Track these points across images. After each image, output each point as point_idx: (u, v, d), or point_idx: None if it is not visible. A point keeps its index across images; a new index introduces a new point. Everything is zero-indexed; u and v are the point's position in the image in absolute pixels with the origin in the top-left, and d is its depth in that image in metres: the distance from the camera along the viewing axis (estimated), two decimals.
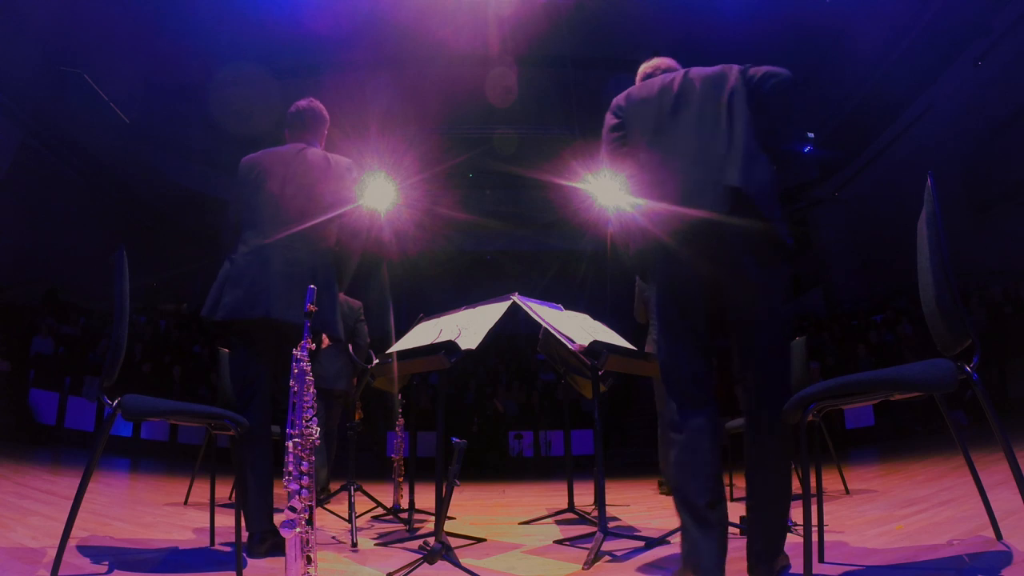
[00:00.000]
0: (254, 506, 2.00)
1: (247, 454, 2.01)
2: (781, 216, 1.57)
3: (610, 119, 1.87)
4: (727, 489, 3.52)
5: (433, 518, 2.68)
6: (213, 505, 2.11)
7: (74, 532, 1.51)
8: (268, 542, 1.99)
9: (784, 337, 1.62)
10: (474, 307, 2.41)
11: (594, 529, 2.15)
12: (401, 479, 3.22)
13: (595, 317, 2.66)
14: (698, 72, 1.77)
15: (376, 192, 9.40)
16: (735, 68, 1.73)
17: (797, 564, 1.66)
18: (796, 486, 2.20)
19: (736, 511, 2.59)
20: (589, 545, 1.97)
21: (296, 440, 1.33)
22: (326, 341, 2.73)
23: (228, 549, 2.00)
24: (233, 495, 2.95)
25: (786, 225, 1.57)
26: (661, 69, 1.94)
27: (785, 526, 1.56)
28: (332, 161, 2.31)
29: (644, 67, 2.00)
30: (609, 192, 9.81)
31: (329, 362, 3.50)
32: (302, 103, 2.45)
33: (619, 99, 1.87)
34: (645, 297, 4.30)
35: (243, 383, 2.17)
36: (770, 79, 1.68)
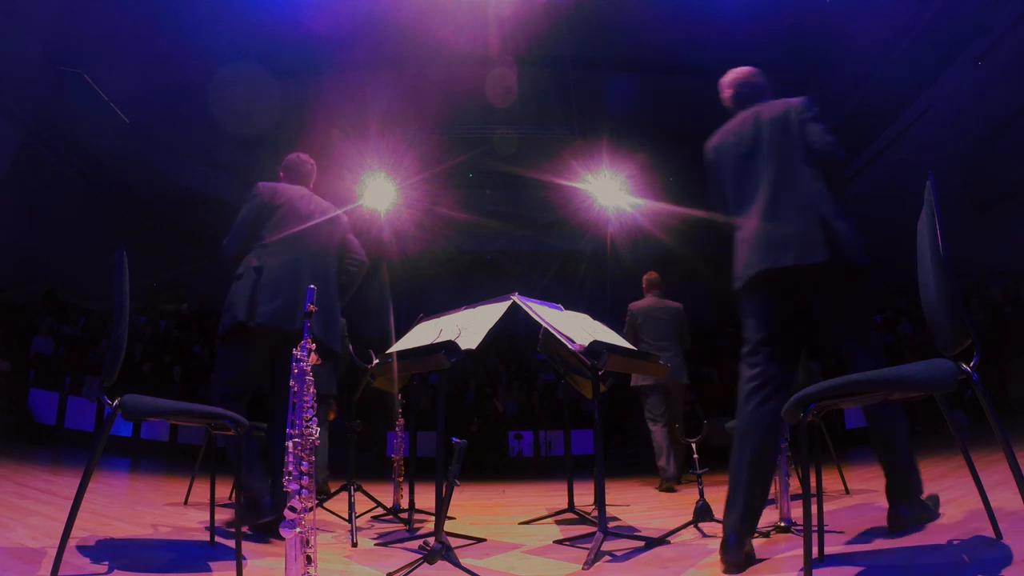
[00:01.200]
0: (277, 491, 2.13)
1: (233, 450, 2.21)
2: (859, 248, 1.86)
3: (707, 161, 2.25)
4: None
5: (433, 518, 2.68)
6: (213, 505, 2.11)
7: (74, 532, 1.51)
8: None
9: None
10: (474, 307, 2.42)
11: (594, 529, 2.15)
12: (401, 479, 3.22)
13: (595, 317, 2.66)
14: (768, 114, 2.05)
15: (376, 192, 9.41)
16: (794, 114, 1.99)
17: (797, 564, 1.66)
18: (796, 486, 2.20)
19: None
20: (589, 545, 1.97)
21: (296, 440, 1.33)
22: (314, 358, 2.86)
23: (228, 549, 2.00)
24: (233, 495, 2.95)
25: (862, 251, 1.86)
26: (744, 83, 2.24)
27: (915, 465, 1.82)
28: (336, 209, 2.71)
29: (726, 80, 2.31)
30: (609, 192, 9.84)
31: (319, 367, 3.48)
32: (302, 156, 2.83)
33: (709, 143, 2.25)
34: (637, 324, 4.71)
35: (236, 382, 2.36)
36: (818, 145, 1.96)
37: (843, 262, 1.80)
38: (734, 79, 2.25)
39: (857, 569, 1.52)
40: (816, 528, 1.56)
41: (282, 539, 1.25)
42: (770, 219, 1.92)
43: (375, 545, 2.28)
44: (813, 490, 1.48)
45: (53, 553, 1.49)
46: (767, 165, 1.98)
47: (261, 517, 2.20)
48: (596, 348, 2.14)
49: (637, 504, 3.60)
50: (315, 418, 1.39)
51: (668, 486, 4.31)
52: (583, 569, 1.78)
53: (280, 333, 2.32)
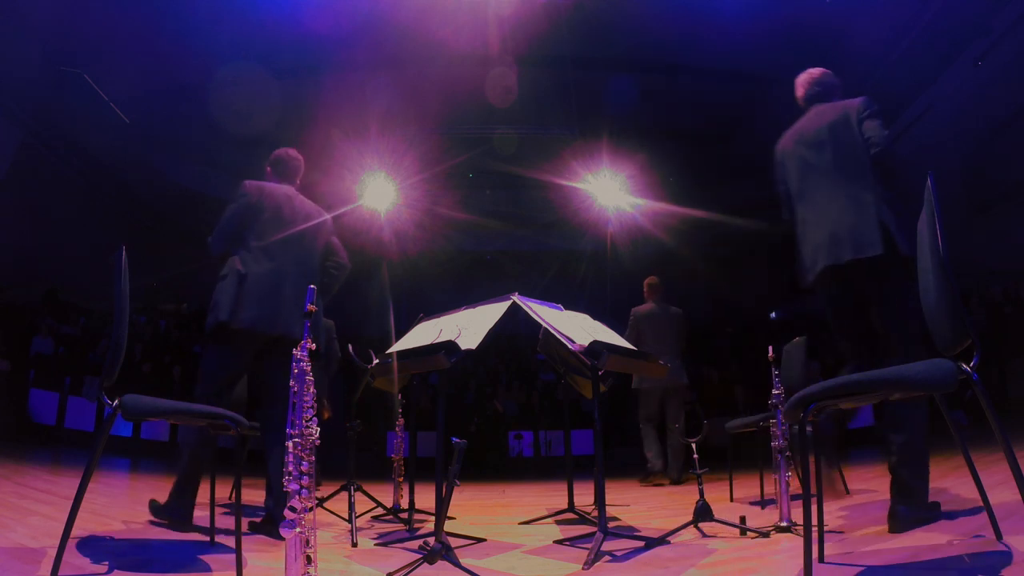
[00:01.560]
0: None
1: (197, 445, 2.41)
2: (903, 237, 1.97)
3: (775, 160, 2.43)
4: (728, 490, 3.53)
5: (433, 518, 2.68)
6: (213, 505, 2.12)
7: (74, 532, 1.51)
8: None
9: None
10: (474, 307, 2.42)
11: (594, 529, 2.15)
12: (401, 479, 3.22)
13: (595, 317, 2.66)
14: (830, 115, 2.23)
15: (376, 192, 9.41)
16: (852, 114, 2.16)
17: (797, 564, 1.66)
18: (796, 486, 2.20)
19: (736, 511, 2.59)
20: (589, 545, 1.97)
21: (296, 440, 1.33)
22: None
23: (228, 548, 2.00)
24: (233, 495, 2.95)
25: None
26: (816, 83, 2.43)
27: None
28: (322, 212, 2.76)
29: (800, 80, 2.49)
30: (609, 192, 9.84)
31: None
32: (291, 152, 2.82)
33: (778, 144, 2.42)
34: (640, 327, 4.90)
35: (218, 380, 2.45)
36: (875, 138, 2.09)
37: (896, 255, 1.97)
38: (807, 79, 2.47)
39: (857, 569, 1.52)
40: (816, 528, 1.56)
41: (281, 538, 1.25)
42: (830, 217, 2.09)
43: (375, 545, 2.28)
44: (813, 490, 1.48)
45: (53, 553, 1.49)
46: (828, 165, 2.13)
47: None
48: (596, 348, 2.14)
49: (637, 504, 3.60)
50: (315, 418, 1.39)
51: (652, 481, 4.62)
52: (583, 569, 1.78)
53: (262, 337, 2.44)
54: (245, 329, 2.39)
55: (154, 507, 2.51)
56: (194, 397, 2.42)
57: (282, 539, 1.25)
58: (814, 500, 1.49)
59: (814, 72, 2.46)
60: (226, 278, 2.47)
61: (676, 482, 4.63)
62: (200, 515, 2.67)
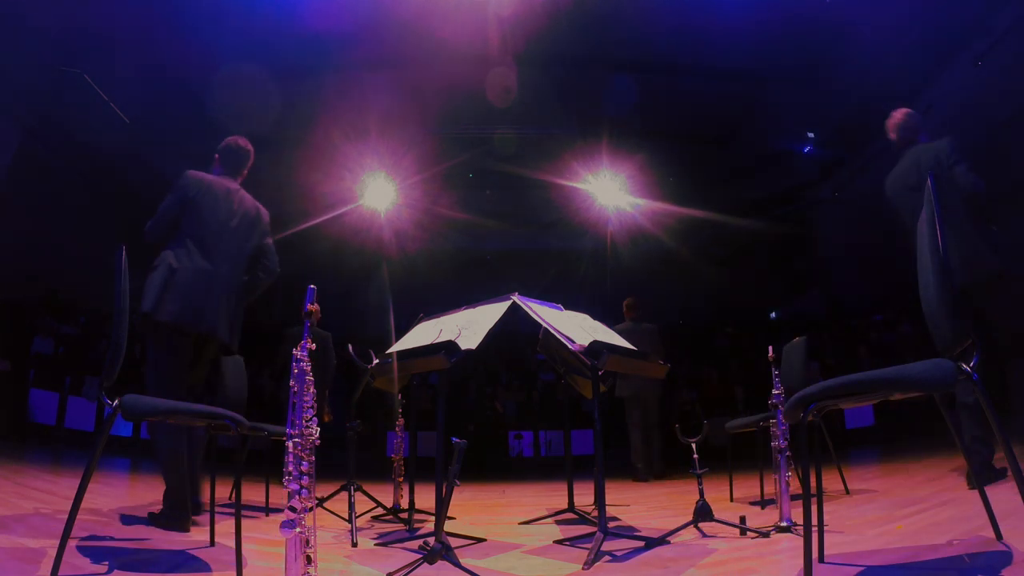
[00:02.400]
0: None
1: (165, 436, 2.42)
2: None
3: (885, 197, 2.85)
4: (728, 490, 3.53)
5: (433, 518, 2.68)
6: (213, 505, 2.11)
7: (74, 532, 1.51)
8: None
9: None
10: (474, 307, 2.42)
11: (594, 529, 2.15)
12: (401, 479, 3.22)
13: (595, 317, 2.66)
14: (924, 156, 2.72)
15: (376, 192, 9.41)
16: (943, 154, 2.64)
17: (797, 564, 1.66)
18: (796, 486, 2.20)
19: (736, 511, 2.59)
20: (589, 545, 1.97)
21: (296, 440, 1.33)
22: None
23: (228, 548, 2.00)
24: (233, 495, 2.95)
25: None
26: (904, 127, 2.87)
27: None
28: (260, 210, 2.79)
29: (891, 124, 2.92)
30: (609, 192, 9.85)
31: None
32: (241, 142, 2.84)
33: (886, 182, 2.87)
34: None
35: (162, 379, 2.44)
36: (964, 184, 2.60)
37: (995, 275, 2.48)
38: (896, 123, 2.91)
39: (857, 569, 1.52)
40: (816, 528, 1.56)
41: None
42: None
43: (375, 545, 2.28)
44: (813, 490, 1.48)
45: (53, 553, 1.49)
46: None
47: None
48: (596, 348, 2.14)
49: (637, 504, 3.60)
50: (315, 418, 1.39)
51: (641, 478, 5.30)
52: (583, 569, 1.78)
53: (187, 333, 2.47)
54: (168, 322, 2.39)
55: (152, 517, 2.50)
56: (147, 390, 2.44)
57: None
58: (814, 500, 1.49)
59: (901, 115, 2.88)
60: (156, 269, 2.47)
61: (657, 478, 5.35)
62: (200, 515, 2.67)
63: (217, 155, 2.81)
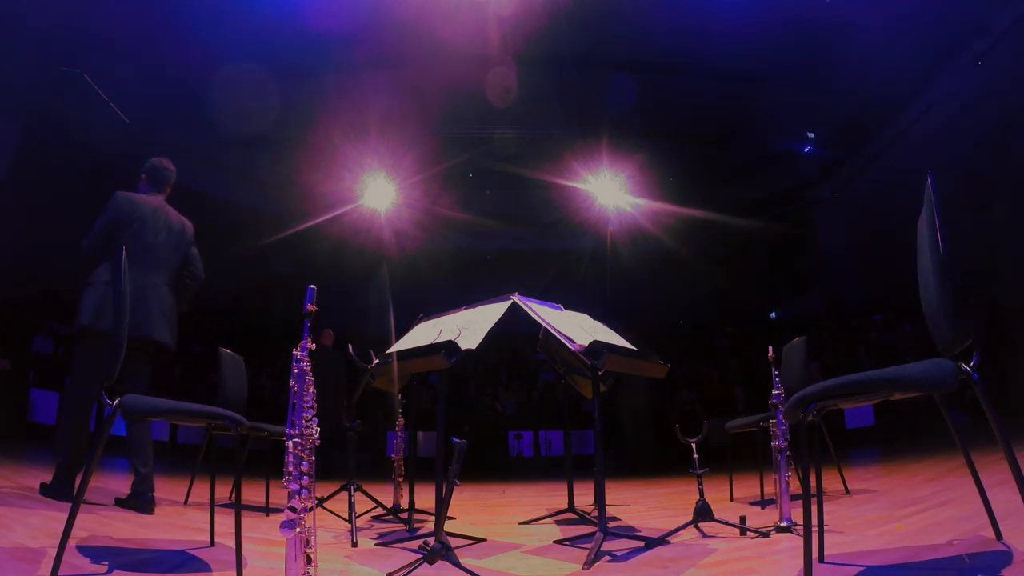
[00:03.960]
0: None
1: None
2: None
3: None
4: (728, 490, 3.53)
5: (433, 518, 2.68)
6: (213, 505, 2.11)
7: (74, 532, 1.51)
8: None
9: None
10: (474, 307, 2.41)
11: (594, 529, 2.15)
12: (401, 479, 3.21)
13: (595, 317, 2.65)
14: None
15: (376, 192, 9.41)
16: None
17: (797, 564, 1.66)
18: (796, 486, 2.20)
19: (736, 511, 2.59)
20: (589, 545, 1.97)
21: (296, 440, 1.33)
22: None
23: (228, 548, 2.00)
24: (233, 495, 2.95)
25: None
26: None
27: None
28: (185, 223, 3.08)
29: None
30: (609, 192, 9.85)
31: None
32: (164, 162, 3.15)
33: None
34: None
35: (92, 374, 2.72)
36: None
37: None
38: None
39: (857, 569, 1.52)
40: (816, 528, 1.56)
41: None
42: None
43: (375, 545, 2.28)
44: (813, 490, 1.48)
45: (53, 553, 1.49)
46: None
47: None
48: (596, 348, 2.14)
49: (637, 504, 3.60)
50: (315, 418, 1.39)
51: None
52: (583, 569, 1.78)
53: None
54: (106, 331, 2.61)
55: (120, 503, 2.83)
56: (82, 396, 2.76)
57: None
58: (814, 500, 1.49)
59: None
60: (92, 285, 2.82)
61: None
62: (200, 515, 2.67)
63: (143, 175, 3.11)
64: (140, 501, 2.73)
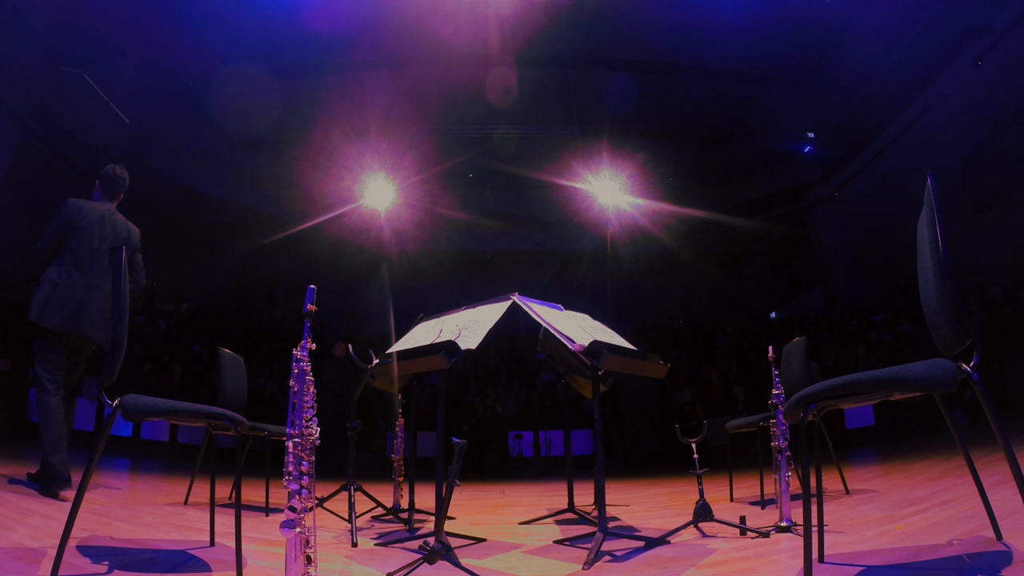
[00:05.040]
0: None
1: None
2: None
3: None
4: (728, 490, 3.53)
5: (433, 518, 2.68)
6: (213, 505, 2.11)
7: (74, 532, 1.51)
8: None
9: None
10: (474, 307, 2.41)
11: (594, 529, 2.15)
12: (401, 479, 3.21)
13: (595, 317, 2.65)
14: None
15: (376, 192, 9.41)
16: None
17: (797, 564, 1.66)
18: (796, 486, 2.20)
19: (736, 511, 2.59)
20: (589, 545, 1.97)
21: (296, 440, 1.33)
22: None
23: (228, 548, 2.00)
24: (233, 495, 2.95)
25: None
26: None
27: None
28: (131, 230, 3.27)
29: None
30: (609, 192, 9.85)
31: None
32: (118, 170, 3.30)
33: None
34: None
35: (50, 363, 3.04)
36: None
37: None
38: None
39: (857, 569, 1.52)
40: (816, 528, 1.56)
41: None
42: None
43: (375, 545, 2.28)
44: (813, 490, 1.48)
45: (53, 553, 1.49)
46: None
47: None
48: (596, 348, 2.14)
49: (637, 504, 3.60)
50: (315, 418, 1.39)
51: None
52: (583, 569, 1.78)
53: (67, 336, 3.04)
54: (50, 328, 2.98)
55: (31, 477, 3.09)
56: (40, 387, 3.00)
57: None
58: (814, 500, 1.49)
59: None
60: (41, 284, 3.05)
61: None
62: (200, 515, 2.67)
63: (97, 181, 3.26)
64: (48, 482, 2.92)
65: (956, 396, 5.55)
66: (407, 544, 2.25)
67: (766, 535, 2.10)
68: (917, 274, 1.64)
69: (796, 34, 7.32)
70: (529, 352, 9.60)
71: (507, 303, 2.32)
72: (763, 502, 3.09)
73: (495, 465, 8.50)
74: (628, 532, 2.44)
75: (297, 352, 1.41)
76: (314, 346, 1.43)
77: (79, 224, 3.08)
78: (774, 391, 2.39)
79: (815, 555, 1.55)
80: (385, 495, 3.24)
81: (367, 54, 7.69)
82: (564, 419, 3.56)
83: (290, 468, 1.31)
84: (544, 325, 2.31)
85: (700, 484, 2.31)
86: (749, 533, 2.15)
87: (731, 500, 3.37)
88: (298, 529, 1.26)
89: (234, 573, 1.57)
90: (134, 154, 9.18)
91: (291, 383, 1.39)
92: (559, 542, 2.28)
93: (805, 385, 1.48)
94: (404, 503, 2.99)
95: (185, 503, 3.20)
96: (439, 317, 2.54)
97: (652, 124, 9.33)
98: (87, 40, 6.91)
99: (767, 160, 10.80)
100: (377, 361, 2.78)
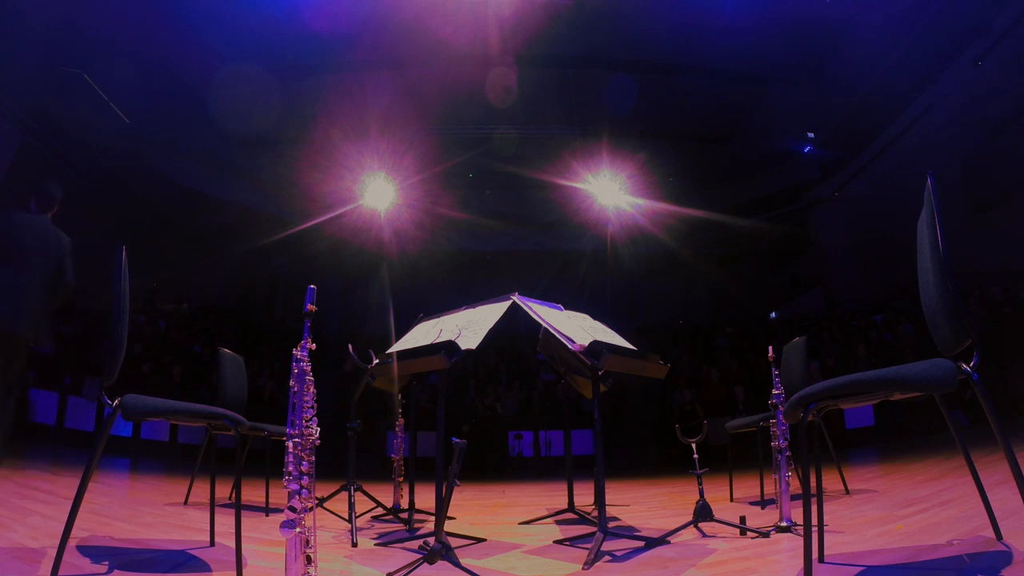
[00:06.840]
0: None
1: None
2: None
3: None
4: (728, 490, 3.53)
5: (433, 518, 2.68)
6: (213, 505, 2.11)
7: (74, 532, 1.51)
8: None
9: None
10: (474, 307, 2.41)
11: (594, 529, 2.15)
12: (401, 479, 3.21)
13: (595, 317, 2.65)
14: None
15: (376, 192, 9.41)
16: None
17: (797, 564, 1.66)
18: (796, 486, 2.20)
19: (736, 511, 2.60)
20: (589, 545, 1.97)
21: (296, 440, 1.33)
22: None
23: (228, 548, 2.00)
24: (233, 495, 2.95)
25: None
26: None
27: None
28: (62, 238, 3.61)
29: None
30: (609, 192, 9.85)
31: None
32: (50, 186, 3.68)
33: None
34: None
35: None
36: None
37: None
38: None
39: (857, 569, 1.52)
40: (816, 528, 1.56)
41: None
42: None
43: (375, 545, 2.28)
44: (813, 490, 1.48)
45: (53, 553, 1.49)
46: None
47: None
48: (596, 348, 2.14)
49: (637, 504, 3.60)
50: (315, 418, 1.39)
51: None
52: (583, 569, 1.78)
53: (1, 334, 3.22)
54: None
55: None
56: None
57: None
58: (814, 500, 1.49)
59: None
60: None
61: None
62: (200, 515, 2.67)
63: (32, 195, 3.60)
64: None
65: (956, 396, 5.55)
66: (407, 544, 2.25)
67: (766, 535, 2.10)
68: (917, 274, 1.64)
69: (796, 34, 7.32)
70: (529, 352, 9.60)
71: (507, 303, 2.32)
72: (763, 502, 3.09)
73: (495, 465, 8.50)
74: (628, 532, 2.44)
75: (297, 352, 1.41)
76: (314, 346, 1.43)
77: (14, 233, 3.45)
78: (774, 391, 2.39)
79: (815, 555, 1.55)
80: (385, 495, 3.24)
81: (367, 54, 7.69)
82: (564, 419, 3.56)
83: (290, 468, 1.31)
84: (544, 325, 2.31)
85: (700, 484, 2.31)
86: (749, 533, 2.15)
87: (731, 500, 3.37)
88: (298, 529, 1.26)
89: (234, 573, 1.57)
90: (134, 154, 9.19)
91: (291, 383, 1.39)
92: (559, 542, 2.28)
93: (805, 385, 1.48)
94: (404, 503, 2.98)
95: (185, 503, 3.20)
96: (439, 317, 2.54)
97: (652, 124, 9.32)
98: (87, 40, 6.91)
99: (767, 160, 10.80)
100: (377, 361, 2.78)
